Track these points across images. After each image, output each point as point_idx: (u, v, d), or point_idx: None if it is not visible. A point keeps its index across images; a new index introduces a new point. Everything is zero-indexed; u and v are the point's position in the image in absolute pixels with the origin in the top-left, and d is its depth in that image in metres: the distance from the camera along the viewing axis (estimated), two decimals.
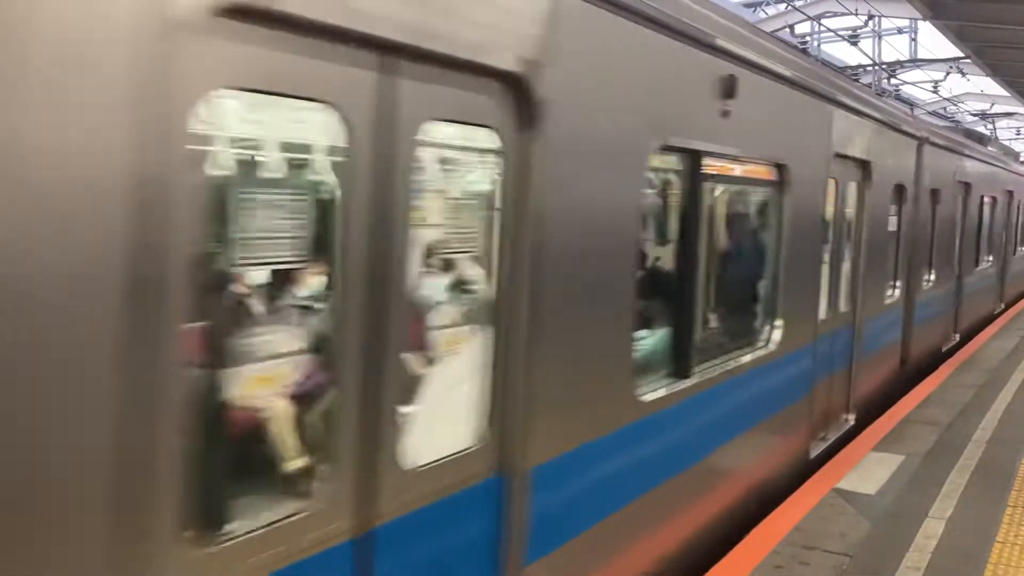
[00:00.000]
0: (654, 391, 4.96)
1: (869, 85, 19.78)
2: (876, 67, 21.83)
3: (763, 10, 25.08)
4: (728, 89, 5.41)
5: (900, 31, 23.37)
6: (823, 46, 23.09)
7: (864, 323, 8.94)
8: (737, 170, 6.51)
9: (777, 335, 6.69)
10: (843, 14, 19.60)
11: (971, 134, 18.25)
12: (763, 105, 6.16)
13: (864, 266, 8.89)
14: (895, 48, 23.50)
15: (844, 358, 8.51)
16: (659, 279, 5.59)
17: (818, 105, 7.32)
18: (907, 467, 7.58)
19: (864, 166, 8.75)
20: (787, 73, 6.50)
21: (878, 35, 21.69)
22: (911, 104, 27.14)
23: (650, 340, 5.34)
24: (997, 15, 15.08)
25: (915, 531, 6.11)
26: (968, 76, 23.84)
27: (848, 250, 8.66)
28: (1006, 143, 29.38)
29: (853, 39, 20.88)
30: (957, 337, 14.42)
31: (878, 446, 8.20)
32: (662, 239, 5.77)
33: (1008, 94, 27.06)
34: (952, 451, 8.11)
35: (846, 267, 8.60)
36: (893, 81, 24.80)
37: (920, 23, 21.86)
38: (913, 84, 26.20)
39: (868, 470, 7.45)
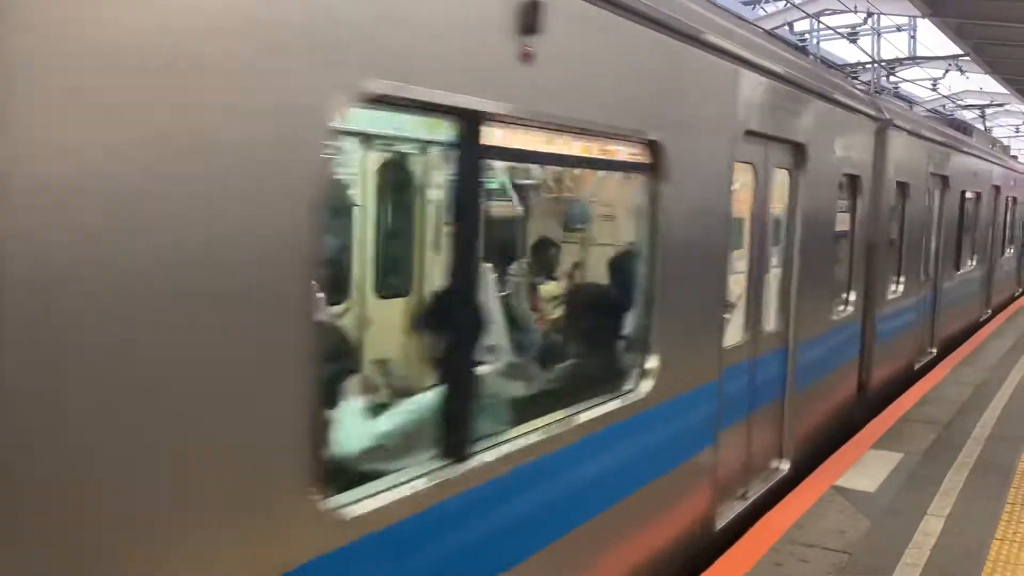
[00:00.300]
0: (376, 495, 3.06)
1: (868, 82, 19.76)
2: (875, 65, 21.81)
3: (762, 7, 25.06)
4: (528, 20, 3.59)
5: (899, 29, 23.34)
6: (822, 44, 23.09)
7: (800, 346, 7.25)
8: (563, 145, 4.57)
9: (648, 378, 4.87)
10: (842, 11, 19.56)
11: (951, 123, 16.42)
12: (606, 53, 4.34)
13: (799, 275, 7.15)
14: (894, 46, 23.49)
15: (772, 392, 6.90)
16: (427, 307, 4.09)
17: (714, 64, 5.44)
18: (906, 465, 7.59)
19: (798, 149, 7.03)
20: (647, 7, 4.57)
21: (877, 33, 21.67)
22: (910, 102, 27.14)
23: (393, 407, 3.69)
24: (996, 12, 15.06)
25: (914, 528, 6.12)
26: (967, 74, 23.84)
27: (775, 256, 6.97)
28: (999, 138, 29.29)
29: (852, 37, 20.87)
30: (934, 351, 13.00)
31: (877, 444, 8.20)
32: (408, 245, 4.02)
33: (1007, 92, 27.06)
34: (951, 449, 8.12)
35: (773, 277, 6.96)
36: (892, 79, 24.78)
37: (919, 20, 21.86)
38: (912, 82, 26.18)
39: (867, 468, 7.46)
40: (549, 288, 5.52)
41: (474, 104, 3.42)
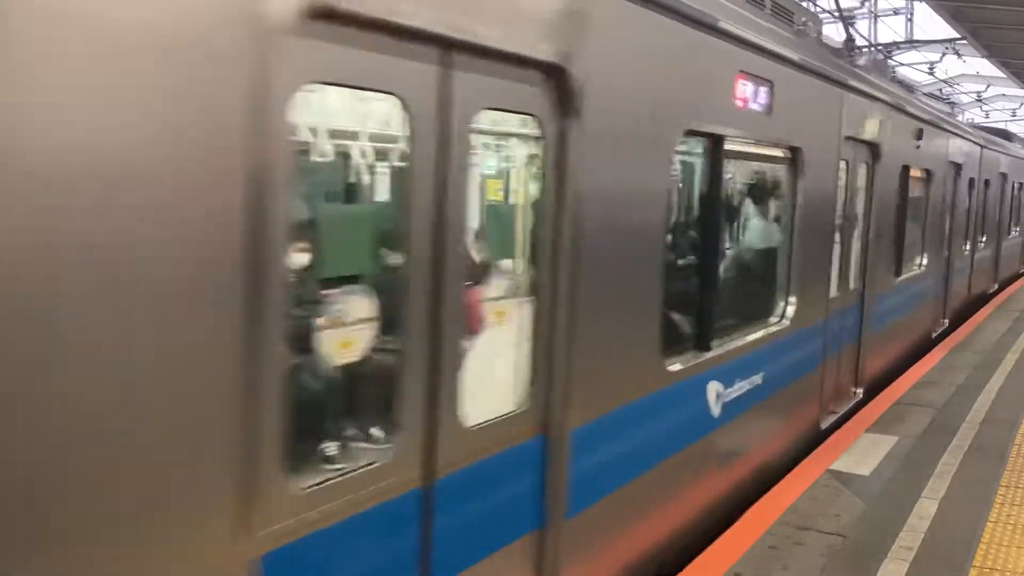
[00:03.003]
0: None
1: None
2: (872, 48, 21.76)
3: None
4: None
5: (896, 12, 23.31)
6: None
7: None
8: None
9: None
10: None
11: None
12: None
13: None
14: (891, 28, 23.49)
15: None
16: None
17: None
18: (901, 448, 7.62)
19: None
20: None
21: (874, 16, 21.63)
22: (909, 87, 27.08)
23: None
24: None
25: (909, 511, 6.16)
26: (964, 57, 23.81)
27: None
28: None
29: (849, 20, 20.80)
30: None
31: (872, 428, 8.23)
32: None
33: (1003, 75, 27.01)
34: (946, 432, 8.15)
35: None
36: (889, 63, 24.72)
37: (916, 3, 21.81)
38: (908, 65, 26.15)
39: (862, 452, 7.49)
40: None
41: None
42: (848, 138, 8.04)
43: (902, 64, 25.93)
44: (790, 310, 7.00)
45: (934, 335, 13.21)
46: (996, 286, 19.34)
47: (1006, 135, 20.78)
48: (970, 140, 14.90)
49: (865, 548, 5.56)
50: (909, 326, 11.47)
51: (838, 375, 8.47)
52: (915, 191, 11.29)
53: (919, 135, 10.75)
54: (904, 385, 10.02)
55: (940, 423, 8.48)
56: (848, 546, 5.58)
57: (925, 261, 12.16)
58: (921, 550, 5.52)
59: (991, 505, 6.34)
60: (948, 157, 13.03)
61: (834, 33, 25.74)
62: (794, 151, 6.87)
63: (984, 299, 17.61)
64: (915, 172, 11.04)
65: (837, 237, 8.24)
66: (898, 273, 10.66)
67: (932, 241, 12.48)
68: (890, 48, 23.16)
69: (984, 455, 7.50)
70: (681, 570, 5.13)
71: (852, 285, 8.82)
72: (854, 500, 6.35)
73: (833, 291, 8.10)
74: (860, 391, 9.20)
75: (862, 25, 21.54)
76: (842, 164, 8.03)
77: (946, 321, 14.04)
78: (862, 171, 8.91)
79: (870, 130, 8.78)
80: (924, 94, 25.45)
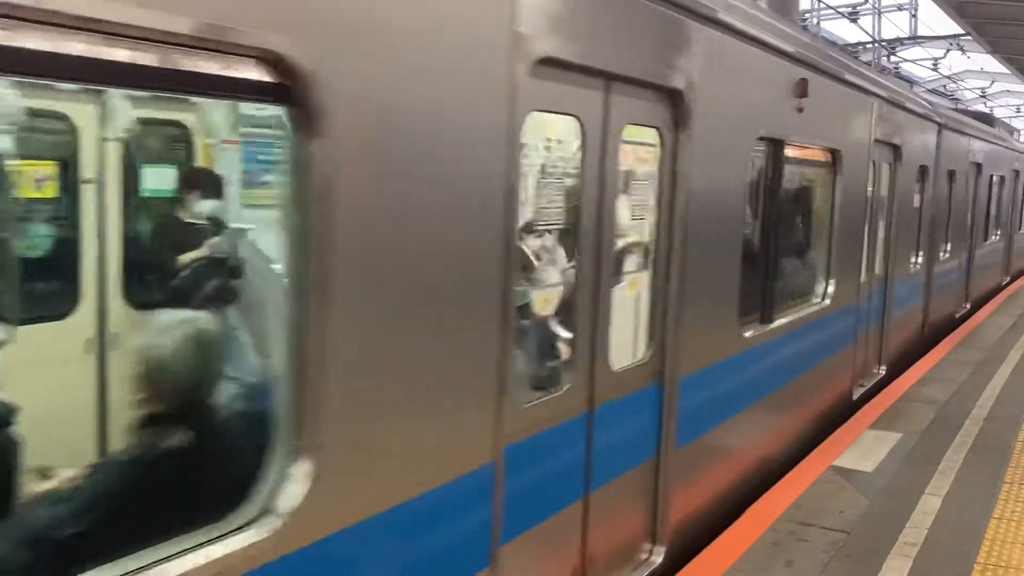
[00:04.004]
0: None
1: (868, 63, 19.67)
2: (876, 44, 21.72)
3: None
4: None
5: (900, 8, 23.25)
6: (823, 23, 22.96)
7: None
8: None
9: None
10: None
11: None
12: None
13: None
14: (895, 25, 23.40)
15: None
16: None
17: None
18: (905, 445, 7.61)
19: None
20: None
21: (878, 12, 21.58)
22: (911, 82, 27.03)
23: None
24: None
25: (912, 508, 6.15)
26: (968, 53, 23.75)
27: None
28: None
29: (853, 16, 20.79)
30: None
31: (876, 424, 8.23)
32: None
33: (1008, 71, 26.93)
34: (949, 429, 8.14)
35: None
36: (893, 59, 24.67)
37: None
38: (913, 62, 26.07)
39: (866, 448, 7.48)
40: None
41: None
42: (552, 63, 3.73)
43: (906, 60, 25.85)
44: (329, 501, 2.82)
45: (857, 395, 9.21)
46: (968, 306, 15.58)
47: (987, 118, 18.94)
48: (917, 114, 10.80)
49: (869, 544, 5.55)
50: (796, 400, 7.42)
51: (585, 543, 4.48)
52: (802, 182, 8.02)
53: (801, 90, 6.65)
54: (908, 381, 10.00)
55: (944, 419, 8.47)
56: (852, 542, 5.57)
57: (832, 290, 8.04)
58: (925, 546, 5.52)
59: (995, 502, 6.33)
60: (874, 133, 8.92)
61: (837, 28, 25.74)
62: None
63: (952, 324, 14.00)
64: (798, 152, 7.31)
65: (570, 274, 4.45)
66: (767, 318, 6.61)
67: (849, 258, 8.53)
68: (894, 44, 23.10)
69: (988, 452, 7.49)
70: (683, 567, 5.12)
71: (618, 363, 4.66)
72: (857, 496, 6.34)
73: (547, 392, 4.21)
74: (661, 550, 5.12)
75: (866, 21, 21.49)
76: (528, 122, 3.65)
77: (882, 369, 10.26)
78: (644, 141, 4.82)
79: (647, 60, 4.59)
80: (928, 90, 25.39)
